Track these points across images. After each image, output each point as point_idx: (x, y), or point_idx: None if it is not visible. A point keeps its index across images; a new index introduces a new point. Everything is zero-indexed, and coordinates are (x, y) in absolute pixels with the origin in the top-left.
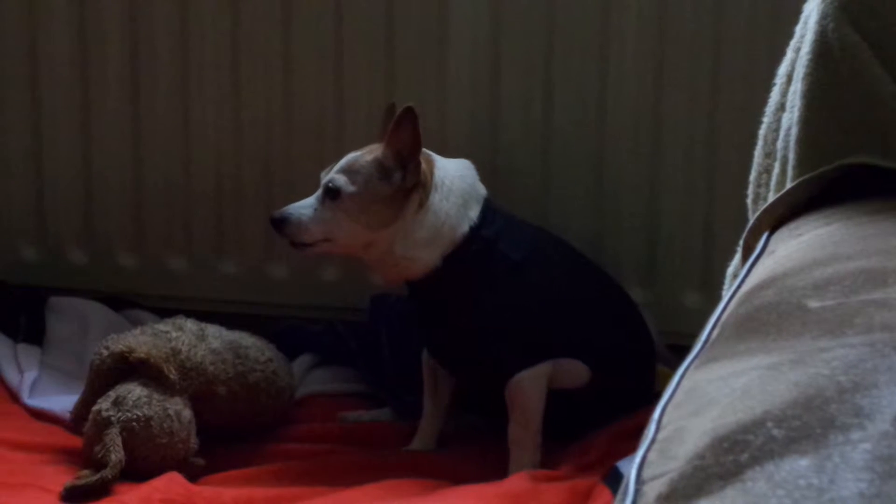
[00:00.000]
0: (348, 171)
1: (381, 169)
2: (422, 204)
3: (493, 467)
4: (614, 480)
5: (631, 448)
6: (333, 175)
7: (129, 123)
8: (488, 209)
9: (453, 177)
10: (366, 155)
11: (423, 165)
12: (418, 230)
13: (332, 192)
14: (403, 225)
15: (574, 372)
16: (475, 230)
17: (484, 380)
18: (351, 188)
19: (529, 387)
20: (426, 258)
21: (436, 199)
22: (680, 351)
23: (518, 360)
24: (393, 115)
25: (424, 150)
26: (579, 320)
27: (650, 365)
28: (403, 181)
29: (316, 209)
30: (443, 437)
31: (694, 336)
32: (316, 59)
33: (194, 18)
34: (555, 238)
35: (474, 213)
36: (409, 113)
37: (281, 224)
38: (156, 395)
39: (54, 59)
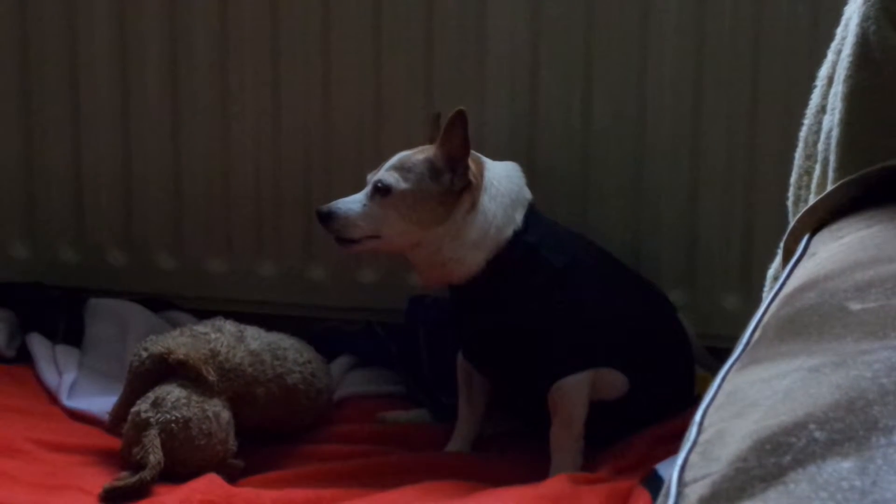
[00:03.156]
0: (400, 168)
1: (432, 168)
2: (473, 205)
3: (533, 471)
4: (653, 483)
5: (670, 451)
6: (384, 173)
7: (169, 125)
8: (532, 214)
9: (501, 178)
10: (417, 154)
11: (473, 167)
12: (468, 231)
13: (382, 190)
14: (454, 225)
15: (613, 383)
16: (519, 235)
17: (522, 385)
18: (403, 185)
19: (572, 392)
20: (471, 260)
21: (485, 200)
22: (719, 353)
23: (559, 366)
24: (438, 124)
25: (474, 152)
26: (618, 328)
27: (689, 371)
28: (452, 183)
29: (364, 205)
30: (482, 441)
31: (733, 338)
32: (354, 61)
33: (234, 22)
34: (594, 245)
35: (519, 216)
36: (461, 116)
37: (328, 218)
38: (194, 397)
39: (94, 62)
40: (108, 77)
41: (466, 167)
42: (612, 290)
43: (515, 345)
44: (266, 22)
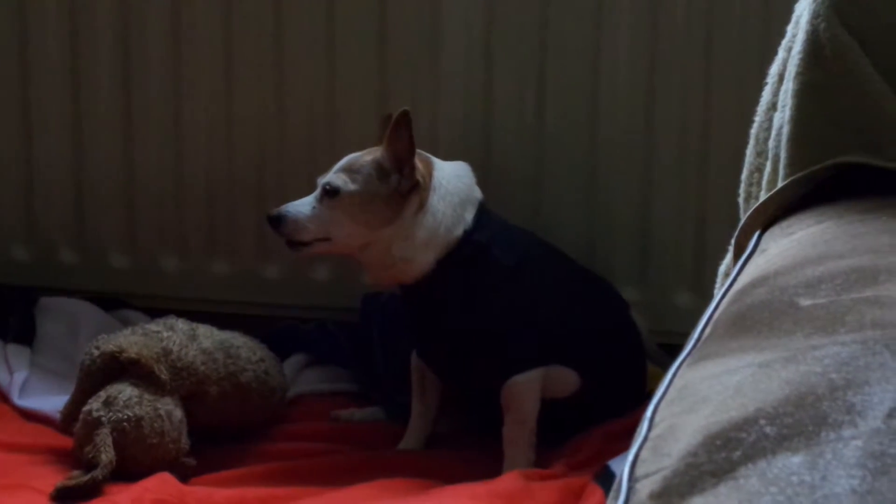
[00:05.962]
0: (348, 170)
1: (379, 169)
2: (422, 205)
3: (487, 467)
4: (606, 479)
5: (622, 447)
6: (332, 175)
7: (121, 123)
8: (482, 213)
9: (450, 178)
10: (365, 156)
11: (422, 167)
12: (417, 231)
13: (330, 192)
14: (403, 225)
15: (564, 380)
16: (469, 234)
17: (474, 383)
18: (351, 187)
19: (524, 389)
20: (422, 260)
21: (434, 199)
22: (671, 350)
23: (511, 364)
24: (389, 125)
25: (423, 152)
26: (570, 326)
27: (641, 369)
28: (399, 184)
29: (314, 207)
30: (436, 438)
31: (685, 335)
32: (308, 60)
33: (186, 19)
34: (545, 243)
35: (469, 215)
36: (405, 117)
37: (278, 222)
38: (147, 396)
39: (45, 59)
40: (59, 76)
41: (413, 168)
42: (564, 287)
43: (467, 343)
44: (218, 22)
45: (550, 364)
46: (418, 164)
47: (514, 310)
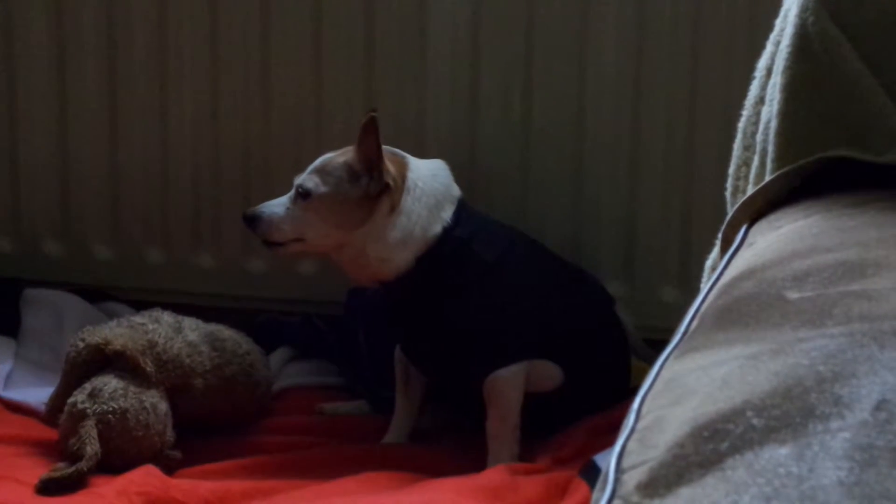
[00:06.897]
0: (321, 171)
1: (350, 172)
2: (394, 206)
3: (471, 462)
4: (591, 474)
5: (607, 442)
6: (305, 177)
7: (107, 115)
8: (462, 210)
9: (426, 178)
10: (339, 157)
11: (394, 169)
12: (390, 232)
13: (303, 194)
14: (375, 226)
15: (548, 374)
16: (448, 231)
17: (457, 377)
18: (322, 189)
19: (507, 383)
20: (399, 259)
21: (408, 200)
22: (656, 345)
23: (493, 359)
24: None
25: (398, 151)
26: (552, 320)
27: (625, 364)
28: (369, 187)
29: (288, 208)
30: (420, 433)
31: (671, 330)
32: (295, 54)
33: (173, 12)
34: (528, 238)
35: (447, 213)
36: (371, 121)
37: (253, 222)
38: (132, 388)
39: (31, 52)
40: (46, 68)
41: (381, 170)
42: (546, 281)
43: (449, 339)
44: (205, 16)
45: (533, 359)
46: (390, 165)
47: (496, 304)
